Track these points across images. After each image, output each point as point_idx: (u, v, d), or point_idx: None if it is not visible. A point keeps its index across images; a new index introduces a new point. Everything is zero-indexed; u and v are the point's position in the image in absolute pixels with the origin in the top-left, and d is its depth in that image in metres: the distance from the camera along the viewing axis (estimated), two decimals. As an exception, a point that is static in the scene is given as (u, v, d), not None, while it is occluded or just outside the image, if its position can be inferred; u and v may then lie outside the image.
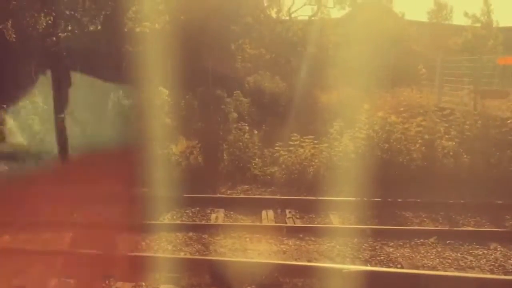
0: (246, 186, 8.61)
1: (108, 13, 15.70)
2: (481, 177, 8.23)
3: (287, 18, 26.56)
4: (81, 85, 14.90)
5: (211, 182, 8.73)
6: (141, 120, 12.47)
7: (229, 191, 8.23)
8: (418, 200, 7.37)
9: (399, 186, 7.94)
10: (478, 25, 24.72)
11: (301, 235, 6.04)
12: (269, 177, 8.90)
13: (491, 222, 6.77)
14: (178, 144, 10.50)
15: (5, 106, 11.97)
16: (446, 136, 8.75)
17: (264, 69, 19.52)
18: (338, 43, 24.18)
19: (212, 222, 6.53)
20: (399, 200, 7.39)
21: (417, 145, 8.63)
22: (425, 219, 6.87)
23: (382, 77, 18.36)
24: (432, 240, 5.95)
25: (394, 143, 8.58)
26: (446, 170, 8.35)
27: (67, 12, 15.45)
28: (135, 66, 14.51)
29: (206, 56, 19.26)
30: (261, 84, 17.34)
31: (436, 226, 6.59)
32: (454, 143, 8.57)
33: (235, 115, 10.51)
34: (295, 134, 9.10)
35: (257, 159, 9.45)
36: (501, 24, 25.09)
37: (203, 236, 5.96)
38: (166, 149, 10.01)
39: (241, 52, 22.91)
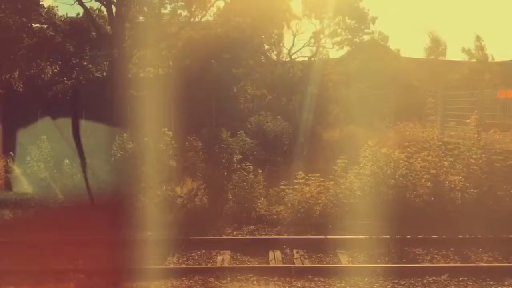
0: (252, 227, 8.49)
1: (113, 59, 16.14)
2: (489, 211, 8.12)
3: (288, 59, 27.23)
4: (86, 129, 15.10)
5: (217, 223, 8.63)
6: (145, 163, 12.54)
7: (235, 232, 8.11)
8: (428, 236, 7.25)
9: (407, 222, 7.79)
10: (474, 60, 25.18)
11: (310, 276, 5.90)
12: (275, 217, 8.79)
13: (504, 257, 6.61)
14: (183, 185, 10.49)
15: (11, 153, 12.10)
16: (452, 170, 8.70)
17: (266, 109, 19.81)
18: (338, 82, 24.62)
19: (218, 265, 6.40)
20: (408, 236, 7.26)
21: (423, 180, 8.57)
22: (436, 256, 6.72)
23: (384, 113, 18.53)
24: (444, 277, 5.80)
25: (400, 178, 8.54)
26: (454, 205, 8.25)
27: (73, 61, 15.92)
28: (140, 109, 14.79)
29: (209, 98, 19.56)
30: (264, 124, 17.51)
31: (448, 263, 6.44)
32: (460, 177, 8.51)
33: (239, 155, 10.50)
34: (300, 172, 9.08)
35: (262, 199, 9.37)
36: (500, 59, 25.48)
37: (209, 280, 5.83)
38: (170, 191, 10.00)
39: (243, 93, 23.31)
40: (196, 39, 18.78)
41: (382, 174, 8.61)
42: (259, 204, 9.10)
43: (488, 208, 8.21)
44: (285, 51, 27.46)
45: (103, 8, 16.39)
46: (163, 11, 17.80)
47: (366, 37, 25.70)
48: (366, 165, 8.78)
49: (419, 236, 7.24)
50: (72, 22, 15.44)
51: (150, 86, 17.22)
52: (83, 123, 15.29)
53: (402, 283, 5.71)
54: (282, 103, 22.96)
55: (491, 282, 5.67)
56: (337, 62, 26.97)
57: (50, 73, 14.89)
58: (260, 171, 10.04)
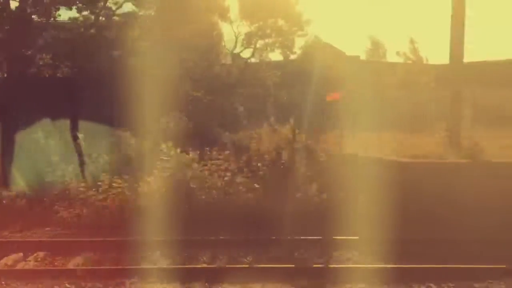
0: (48, 228, 8.49)
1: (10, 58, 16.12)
2: (279, 212, 8.02)
3: (229, 61, 27.15)
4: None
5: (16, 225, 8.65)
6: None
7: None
8: (191, 238, 7.21)
9: (194, 223, 7.78)
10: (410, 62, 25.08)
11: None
12: (75, 219, 8.75)
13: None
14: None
15: None
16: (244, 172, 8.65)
17: (204, 111, 19.78)
18: (274, 83, 24.48)
19: None
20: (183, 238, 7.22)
21: (219, 183, 8.51)
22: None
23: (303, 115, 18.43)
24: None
25: (194, 180, 8.49)
26: (235, 207, 8.18)
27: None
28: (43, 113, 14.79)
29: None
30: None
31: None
32: (248, 179, 8.43)
33: (56, 156, 10.39)
34: (104, 174, 9.02)
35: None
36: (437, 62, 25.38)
37: None
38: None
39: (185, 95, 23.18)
40: (108, 40, 18.66)
41: (178, 176, 8.57)
42: (62, 206, 9.03)
43: (279, 209, 8.11)
44: (227, 52, 27.44)
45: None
46: (70, 12, 17.73)
47: (300, 40, 25.58)
48: (165, 167, 8.74)
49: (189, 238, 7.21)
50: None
51: (57, 88, 17.24)
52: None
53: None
54: (218, 105, 22.94)
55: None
56: (276, 63, 26.87)
57: None
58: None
